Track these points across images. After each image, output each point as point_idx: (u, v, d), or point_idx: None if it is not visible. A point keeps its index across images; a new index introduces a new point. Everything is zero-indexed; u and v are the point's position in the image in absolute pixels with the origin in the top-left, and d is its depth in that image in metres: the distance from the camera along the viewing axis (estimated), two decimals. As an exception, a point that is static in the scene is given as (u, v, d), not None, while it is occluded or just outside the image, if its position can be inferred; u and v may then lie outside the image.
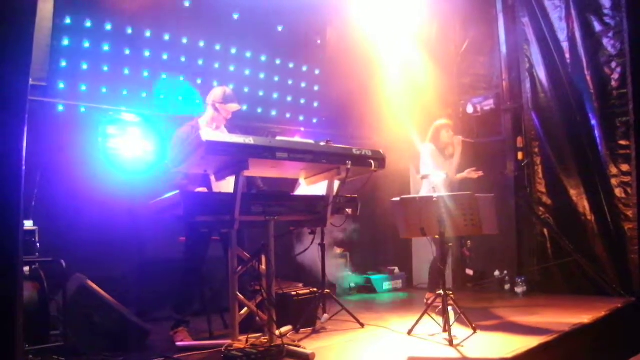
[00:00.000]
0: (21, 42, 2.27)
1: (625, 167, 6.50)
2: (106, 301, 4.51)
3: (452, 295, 4.66)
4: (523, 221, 7.57)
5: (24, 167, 2.32)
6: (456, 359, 3.96)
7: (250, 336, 4.05)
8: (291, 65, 7.92)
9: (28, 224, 4.31)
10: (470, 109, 8.15)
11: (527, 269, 7.34)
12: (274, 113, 7.73)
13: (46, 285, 4.13)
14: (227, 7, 7.09)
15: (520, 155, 7.61)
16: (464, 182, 6.31)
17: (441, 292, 4.58)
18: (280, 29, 7.74)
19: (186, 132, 4.77)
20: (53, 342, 4.06)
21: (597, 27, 6.74)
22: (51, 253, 4.32)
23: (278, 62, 7.75)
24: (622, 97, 6.50)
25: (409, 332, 4.68)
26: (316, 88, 8.21)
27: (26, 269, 4.14)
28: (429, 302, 4.94)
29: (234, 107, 4.92)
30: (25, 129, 2.29)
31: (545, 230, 7.29)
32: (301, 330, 4.90)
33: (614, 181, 6.59)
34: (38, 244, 4.28)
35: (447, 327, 4.38)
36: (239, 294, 4.14)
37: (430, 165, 6.12)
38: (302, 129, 7.95)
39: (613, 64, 6.61)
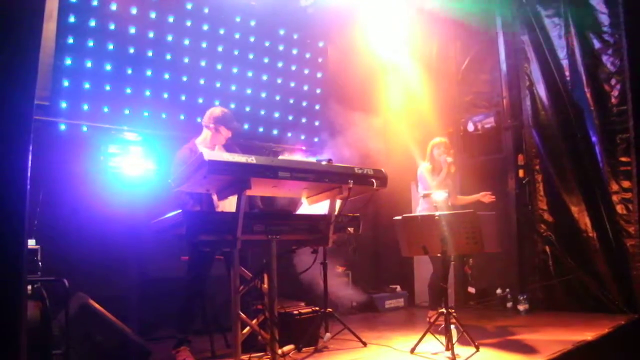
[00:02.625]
0: (27, 64, 2.29)
1: (626, 184, 6.52)
2: (108, 320, 4.49)
3: (454, 314, 4.65)
4: (525, 238, 7.57)
5: (28, 187, 2.32)
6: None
7: (252, 355, 4.04)
8: (292, 84, 7.96)
9: (31, 243, 4.29)
10: (471, 127, 8.19)
11: (529, 287, 7.33)
12: (275, 132, 7.75)
13: (48, 304, 4.12)
14: (229, 27, 7.16)
15: (521, 173, 7.63)
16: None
17: (443, 310, 4.58)
18: (281, 48, 7.82)
19: (185, 154, 4.74)
20: (55, 362, 4.04)
21: (597, 44, 6.80)
22: (53, 272, 4.30)
23: (279, 81, 7.79)
24: (622, 114, 6.55)
25: (412, 351, 4.65)
26: (317, 107, 8.23)
27: (28, 287, 4.13)
28: (432, 320, 4.93)
29: (235, 126, 4.94)
30: (30, 149, 2.30)
31: (547, 248, 7.29)
32: (303, 349, 4.87)
33: (615, 198, 6.61)
34: (40, 263, 4.27)
35: (449, 346, 4.38)
36: (241, 313, 4.13)
37: (425, 184, 6.15)
38: (304, 147, 7.96)
39: (612, 81, 6.65)
